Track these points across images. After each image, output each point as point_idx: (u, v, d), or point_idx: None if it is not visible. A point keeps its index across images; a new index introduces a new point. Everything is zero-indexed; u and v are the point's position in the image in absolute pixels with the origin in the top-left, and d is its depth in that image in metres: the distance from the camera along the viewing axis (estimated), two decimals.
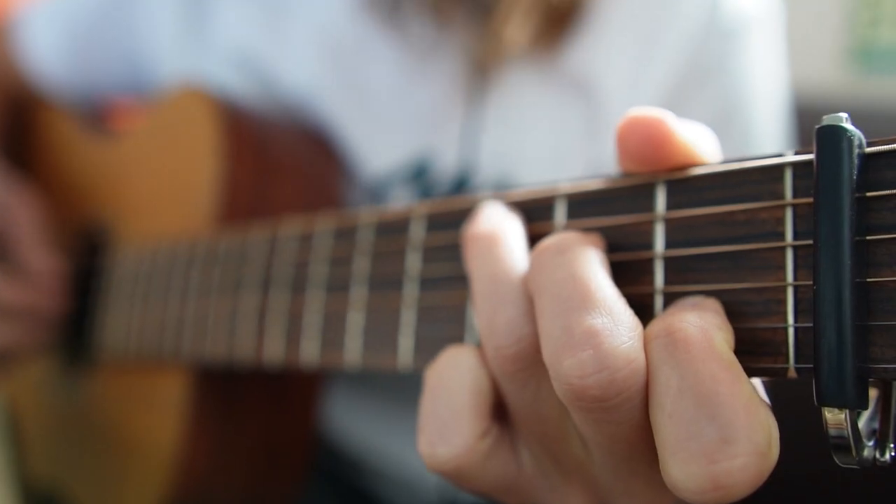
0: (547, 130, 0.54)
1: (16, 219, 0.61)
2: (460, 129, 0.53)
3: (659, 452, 0.20)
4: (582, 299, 0.21)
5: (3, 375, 0.62)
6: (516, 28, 0.49)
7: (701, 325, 0.21)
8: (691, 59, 0.53)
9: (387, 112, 0.55)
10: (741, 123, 0.55)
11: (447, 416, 0.24)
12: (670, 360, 0.20)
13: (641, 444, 0.22)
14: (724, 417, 0.19)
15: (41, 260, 0.60)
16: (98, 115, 0.76)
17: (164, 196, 0.55)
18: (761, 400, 0.20)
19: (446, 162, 0.54)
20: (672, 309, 0.23)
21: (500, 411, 0.26)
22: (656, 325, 0.21)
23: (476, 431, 0.24)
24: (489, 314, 0.24)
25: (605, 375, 0.20)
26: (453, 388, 0.25)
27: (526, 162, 0.53)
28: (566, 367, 0.21)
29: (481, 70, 0.52)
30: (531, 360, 0.24)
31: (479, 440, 0.24)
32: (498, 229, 0.26)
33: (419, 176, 0.54)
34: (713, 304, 0.22)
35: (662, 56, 0.52)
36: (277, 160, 0.52)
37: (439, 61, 0.54)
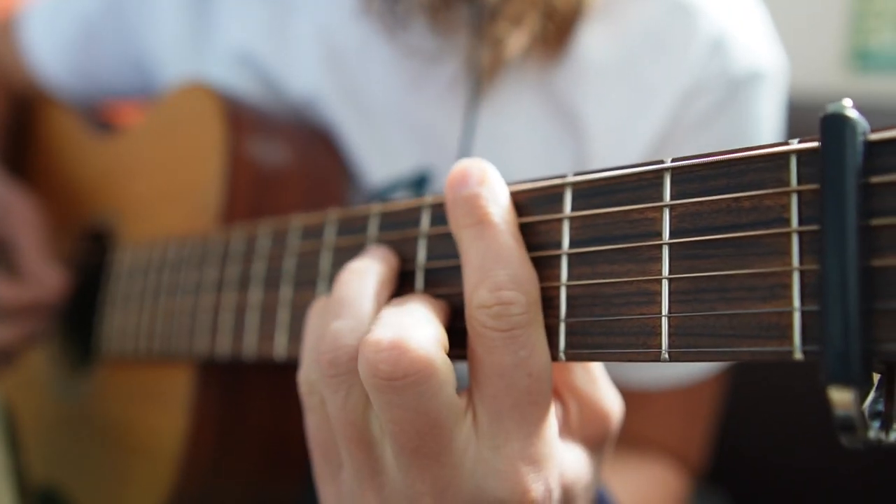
0: (537, 155, 0.53)
1: (16, 221, 0.62)
2: (458, 145, 0.53)
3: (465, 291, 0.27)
4: (395, 309, 0.27)
5: (6, 372, 0.63)
6: (516, 32, 0.49)
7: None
8: (687, 113, 0.51)
9: (387, 123, 0.55)
10: None
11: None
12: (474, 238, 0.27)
13: (428, 437, 0.25)
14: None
15: (39, 268, 0.61)
16: (101, 112, 0.76)
17: (169, 193, 0.55)
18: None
19: (445, 177, 0.54)
20: None
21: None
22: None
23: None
24: (323, 324, 0.29)
25: (394, 353, 0.25)
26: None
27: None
28: (366, 344, 0.25)
29: (480, 79, 0.52)
30: (344, 367, 0.28)
31: None
32: (369, 262, 0.31)
33: (420, 185, 0.55)
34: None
35: (657, 112, 0.51)
36: (282, 158, 0.53)
37: (439, 70, 0.54)
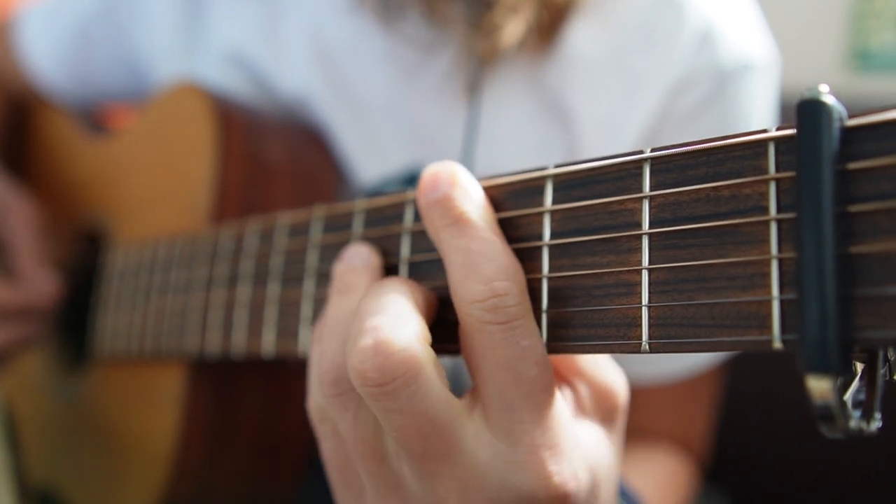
0: (531, 148, 0.53)
1: (14, 222, 0.62)
2: (459, 142, 0.53)
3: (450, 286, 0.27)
4: (372, 309, 0.27)
5: (2, 373, 0.63)
6: (513, 19, 0.49)
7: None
8: (677, 105, 0.51)
9: (378, 119, 0.55)
10: None
11: None
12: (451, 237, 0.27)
13: (432, 438, 0.25)
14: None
15: (33, 273, 0.61)
16: (96, 114, 0.76)
17: (161, 193, 0.55)
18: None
19: None
20: None
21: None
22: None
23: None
24: (322, 348, 0.29)
25: (380, 360, 0.24)
26: None
27: None
28: (351, 354, 0.25)
29: (477, 71, 0.51)
30: (347, 384, 0.28)
31: None
32: (352, 271, 0.31)
33: (412, 182, 0.54)
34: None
35: (646, 104, 0.51)
36: (273, 157, 0.53)
37: (433, 62, 0.54)
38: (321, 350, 0.29)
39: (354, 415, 0.28)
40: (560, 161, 0.51)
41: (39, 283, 0.60)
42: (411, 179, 0.54)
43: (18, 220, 0.62)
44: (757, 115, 0.54)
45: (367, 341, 0.25)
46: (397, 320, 0.26)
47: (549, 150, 0.53)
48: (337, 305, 0.30)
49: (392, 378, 0.24)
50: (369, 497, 0.29)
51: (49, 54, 0.71)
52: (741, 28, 0.53)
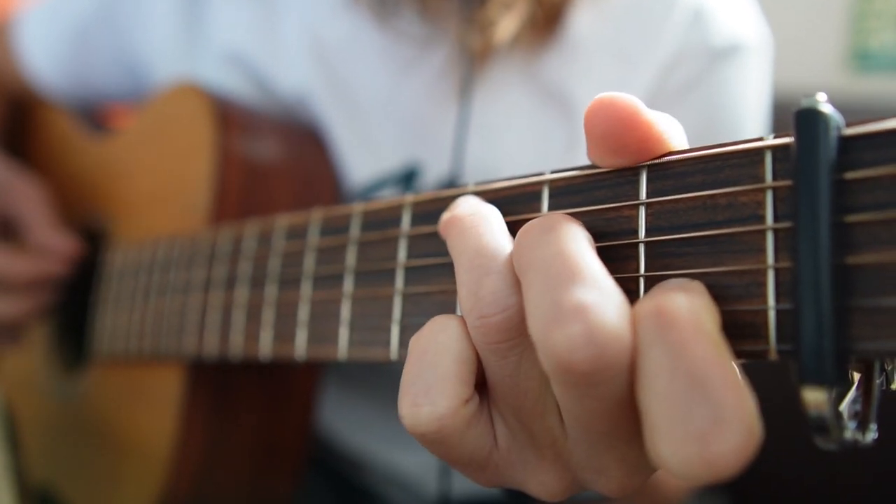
0: (530, 140, 0.53)
1: (22, 198, 0.62)
2: (452, 138, 0.53)
3: (648, 432, 0.20)
4: (571, 274, 0.21)
5: (15, 347, 0.63)
6: (507, 15, 0.49)
7: (690, 306, 0.20)
8: (668, 82, 0.52)
9: (374, 116, 0.55)
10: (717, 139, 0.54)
11: (432, 380, 0.24)
12: (661, 341, 0.20)
13: (622, 421, 0.22)
14: (715, 399, 0.19)
15: (49, 236, 0.60)
16: (96, 114, 0.76)
17: (160, 193, 0.55)
18: (744, 380, 0.20)
19: (435, 169, 0.54)
20: (658, 289, 0.22)
21: (480, 384, 0.26)
22: (645, 304, 0.21)
23: (461, 396, 0.24)
24: (474, 284, 0.24)
25: (593, 350, 0.20)
26: (440, 352, 0.25)
27: (508, 172, 0.52)
28: (554, 341, 0.20)
29: (470, 67, 0.52)
30: (515, 331, 0.23)
31: (463, 405, 0.24)
32: (480, 211, 0.26)
33: (408, 180, 0.55)
34: (698, 286, 0.22)
35: (640, 83, 0.52)
36: (272, 157, 0.53)
37: (429, 58, 0.54)
38: (476, 287, 0.24)
39: (517, 363, 0.24)
40: (561, 150, 0.52)
41: (54, 246, 0.60)
42: (408, 177, 0.54)
43: (24, 194, 0.62)
44: (748, 96, 0.55)
45: (575, 328, 0.20)
46: (604, 295, 0.21)
47: (549, 140, 0.53)
48: (470, 240, 0.25)
49: (603, 369, 0.20)
50: (516, 448, 0.26)
51: (48, 55, 0.71)
52: (732, 9, 0.54)
